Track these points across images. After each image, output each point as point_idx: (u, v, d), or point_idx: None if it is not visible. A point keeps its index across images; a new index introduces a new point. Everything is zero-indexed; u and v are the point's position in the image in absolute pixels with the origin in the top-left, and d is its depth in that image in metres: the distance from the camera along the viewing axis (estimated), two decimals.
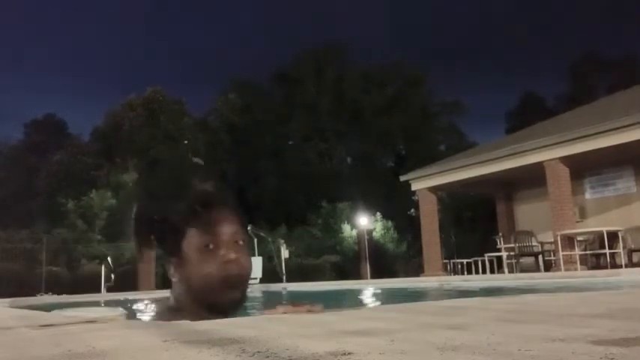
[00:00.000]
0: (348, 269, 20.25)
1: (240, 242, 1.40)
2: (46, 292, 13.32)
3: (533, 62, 66.48)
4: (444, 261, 15.20)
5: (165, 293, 1.55)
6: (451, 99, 30.27)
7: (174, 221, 1.35)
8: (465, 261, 14.81)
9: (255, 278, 10.62)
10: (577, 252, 10.94)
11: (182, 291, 1.39)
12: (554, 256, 11.65)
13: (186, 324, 1.09)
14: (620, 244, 10.61)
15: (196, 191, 1.39)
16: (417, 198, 16.16)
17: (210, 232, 1.35)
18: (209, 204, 1.38)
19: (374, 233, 22.42)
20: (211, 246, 1.35)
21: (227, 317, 1.33)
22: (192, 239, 1.36)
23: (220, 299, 1.34)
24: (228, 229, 1.38)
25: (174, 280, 1.40)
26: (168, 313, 1.40)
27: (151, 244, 1.41)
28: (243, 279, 1.38)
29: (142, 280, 14.14)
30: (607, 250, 10.44)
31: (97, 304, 7.76)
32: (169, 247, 1.38)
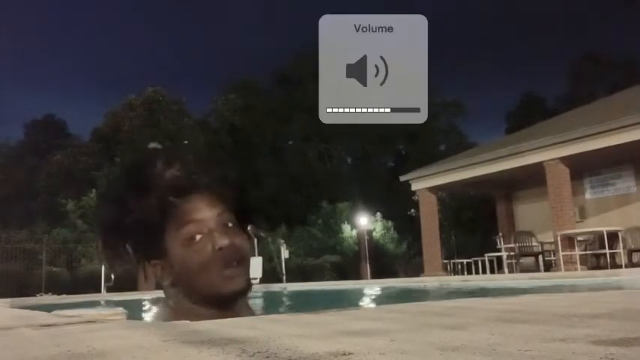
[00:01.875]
0: (348, 269, 20.24)
1: (230, 224, 1.24)
2: (46, 292, 13.31)
3: (533, 62, 66.50)
4: (444, 261, 15.20)
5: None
6: (451, 99, 30.27)
7: (149, 221, 1.18)
8: (465, 261, 14.81)
9: (255, 278, 10.62)
10: (577, 252, 10.94)
11: (177, 293, 1.25)
12: (554, 256, 11.65)
13: (186, 324, 1.08)
14: (620, 244, 10.61)
15: (165, 180, 1.21)
16: (417, 198, 16.16)
17: (192, 222, 1.20)
18: (183, 190, 1.21)
19: (374, 233, 22.41)
20: (198, 237, 1.20)
21: (233, 310, 1.24)
22: (174, 235, 1.20)
23: (223, 291, 1.20)
24: (211, 214, 1.22)
25: (165, 284, 1.25)
26: (169, 317, 1.26)
27: (124, 258, 1.23)
28: (242, 264, 1.23)
29: (141, 280, 14.14)
30: (607, 250, 10.44)
31: (97, 304, 7.77)
32: (150, 251, 1.23)
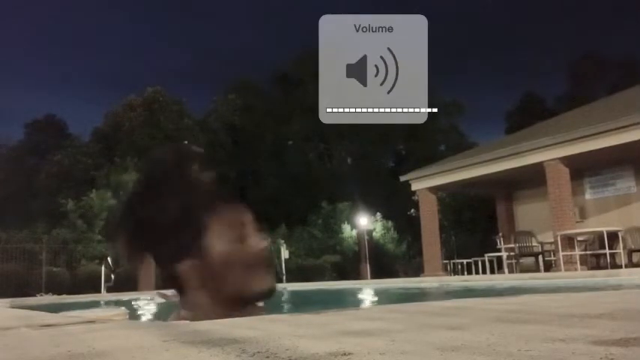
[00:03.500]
0: (348, 269, 20.25)
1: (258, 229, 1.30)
2: (46, 292, 13.33)
3: (533, 62, 66.52)
4: (444, 261, 15.21)
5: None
6: (451, 99, 30.28)
7: (192, 219, 1.18)
8: (465, 261, 14.82)
9: None
10: (577, 252, 10.94)
11: (200, 296, 1.21)
12: (554, 256, 11.65)
13: (186, 324, 1.08)
14: (620, 244, 10.62)
15: (201, 180, 1.24)
16: (417, 198, 16.17)
17: (237, 224, 1.23)
18: (223, 194, 1.26)
19: (374, 233, 22.42)
20: (245, 236, 1.24)
21: (252, 312, 1.27)
22: (218, 234, 1.20)
23: (260, 289, 1.24)
24: (249, 217, 1.27)
25: (192, 285, 1.21)
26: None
27: (143, 253, 1.22)
28: (271, 266, 1.32)
29: (141, 280, 14.16)
30: (607, 251, 10.44)
31: (96, 304, 7.77)
32: (183, 251, 1.19)
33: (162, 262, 1.22)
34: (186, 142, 24.80)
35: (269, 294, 1.27)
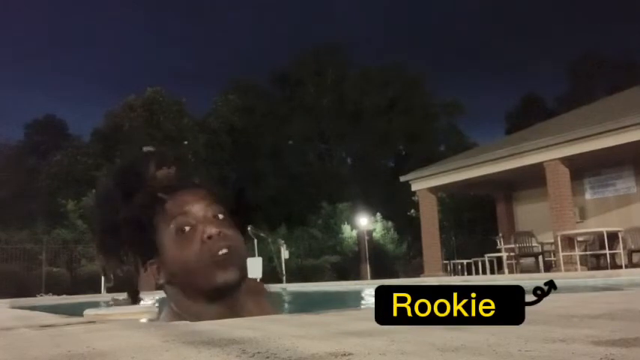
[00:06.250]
0: (348, 270, 20.24)
1: (220, 216, 1.24)
2: (46, 293, 13.31)
3: (533, 62, 66.53)
4: (444, 262, 15.19)
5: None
6: (451, 99, 30.27)
7: (139, 218, 1.19)
8: (465, 261, 14.80)
9: (256, 279, 10.58)
10: (577, 252, 10.93)
11: (175, 292, 1.24)
12: (554, 256, 11.64)
13: (186, 324, 1.09)
14: (620, 244, 10.61)
15: (155, 179, 1.24)
16: (417, 198, 16.16)
17: (180, 214, 1.20)
18: (173, 188, 1.23)
19: (374, 234, 22.40)
20: (187, 228, 1.20)
21: (236, 306, 1.23)
22: (164, 229, 1.20)
23: (214, 283, 1.18)
24: (200, 205, 1.23)
25: (161, 282, 1.26)
26: (171, 317, 1.27)
27: (118, 260, 1.26)
28: (233, 253, 1.20)
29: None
30: (607, 251, 10.43)
31: (96, 304, 7.75)
32: (144, 250, 1.23)
33: (138, 262, 1.27)
34: (186, 142, 24.82)
35: (233, 284, 1.20)
